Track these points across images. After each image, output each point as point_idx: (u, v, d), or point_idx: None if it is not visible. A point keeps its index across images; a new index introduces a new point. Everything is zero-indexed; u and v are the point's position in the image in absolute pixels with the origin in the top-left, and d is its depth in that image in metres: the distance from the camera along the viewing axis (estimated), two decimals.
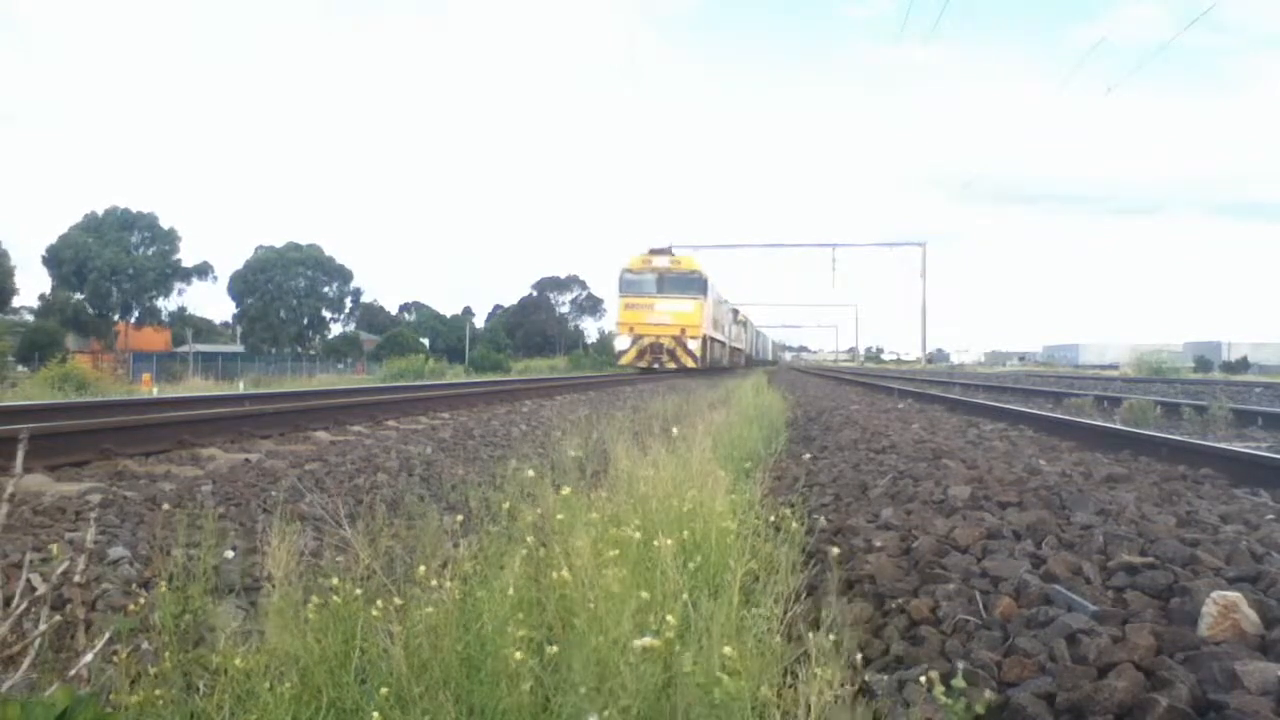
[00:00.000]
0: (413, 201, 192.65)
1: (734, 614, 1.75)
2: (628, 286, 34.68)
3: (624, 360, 34.43)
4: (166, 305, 73.86)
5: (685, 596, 1.78)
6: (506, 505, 2.52)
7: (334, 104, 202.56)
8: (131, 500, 3.84)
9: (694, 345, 33.39)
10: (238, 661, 1.66)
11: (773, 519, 2.62)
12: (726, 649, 1.41)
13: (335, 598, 1.84)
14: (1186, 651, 1.85)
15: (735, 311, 51.60)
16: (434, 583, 1.86)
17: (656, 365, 33.43)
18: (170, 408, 8.42)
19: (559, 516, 2.28)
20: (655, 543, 2.01)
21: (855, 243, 50.47)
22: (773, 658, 1.61)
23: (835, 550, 2.34)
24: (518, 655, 1.53)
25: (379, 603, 1.80)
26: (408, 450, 6.09)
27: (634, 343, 33.90)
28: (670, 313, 33.72)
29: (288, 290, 77.43)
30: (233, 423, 6.56)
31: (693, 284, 34.38)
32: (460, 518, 2.94)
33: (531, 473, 2.74)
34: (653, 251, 35.54)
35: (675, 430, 3.88)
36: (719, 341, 40.73)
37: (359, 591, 1.87)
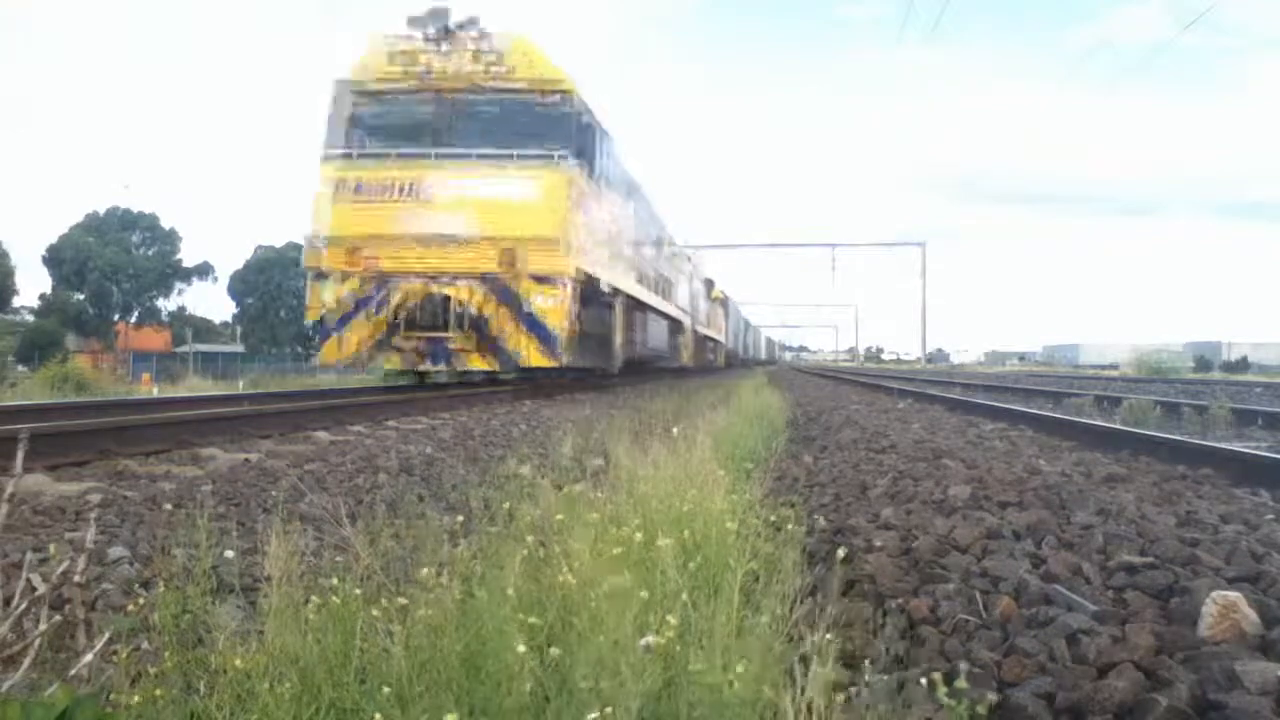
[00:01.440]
0: None
1: (735, 615, 1.75)
2: (359, 130, 12.93)
3: (328, 353, 12.62)
4: (166, 305, 73.93)
5: (685, 597, 1.78)
6: (507, 505, 2.52)
7: None
8: (131, 500, 3.84)
9: (547, 302, 12.25)
10: (238, 662, 1.66)
11: (773, 519, 2.62)
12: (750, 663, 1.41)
13: (335, 598, 1.84)
14: (1186, 651, 1.86)
15: (710, 283, 35.68)
16: (434, 583, 1.86)
17: (436, 362, 12.76)
18: (170, 408, 8.41)
19: (559, 516, 2.28)
20: (657, 543, 2.01)
21: (855, 243, 50.57)
22: (775, 658, 1.61)
23: (842, 551, 2.34)
24: (520, 649, 1.53)
25: (382, 602, 1.80)
26: (408, 450, 6.09)
27: (367, 303, 12.32)
28: (475, 203, 12.32)
29: (287, 290, 77.28)
30: (233, 423, 6.55)
31: (548, 125, 12.59)
32: (460, 518, 2.94)
33: (528, 471, 2.75)
34: (422, 27, 12.73)
35: (675, 430, 3.88)
36: (649, 309, 19.34)
37: (359, 591, 1.87)
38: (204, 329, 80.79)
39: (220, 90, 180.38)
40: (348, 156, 12.67)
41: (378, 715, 1.48)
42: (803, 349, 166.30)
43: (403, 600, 1.80)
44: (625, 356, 16.89)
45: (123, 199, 72.96)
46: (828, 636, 1.35)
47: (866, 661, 1.61)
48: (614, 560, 1.86)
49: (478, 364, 12.53)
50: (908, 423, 8.41)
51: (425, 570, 1.87)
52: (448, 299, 12.03)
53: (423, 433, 7.45)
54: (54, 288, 69.06)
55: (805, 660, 1.33)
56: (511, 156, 12.30)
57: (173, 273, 71.53)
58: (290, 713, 1.59)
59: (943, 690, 1.28)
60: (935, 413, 10.22)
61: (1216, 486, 4.30)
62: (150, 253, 70.78)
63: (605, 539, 2.10)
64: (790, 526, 2.52)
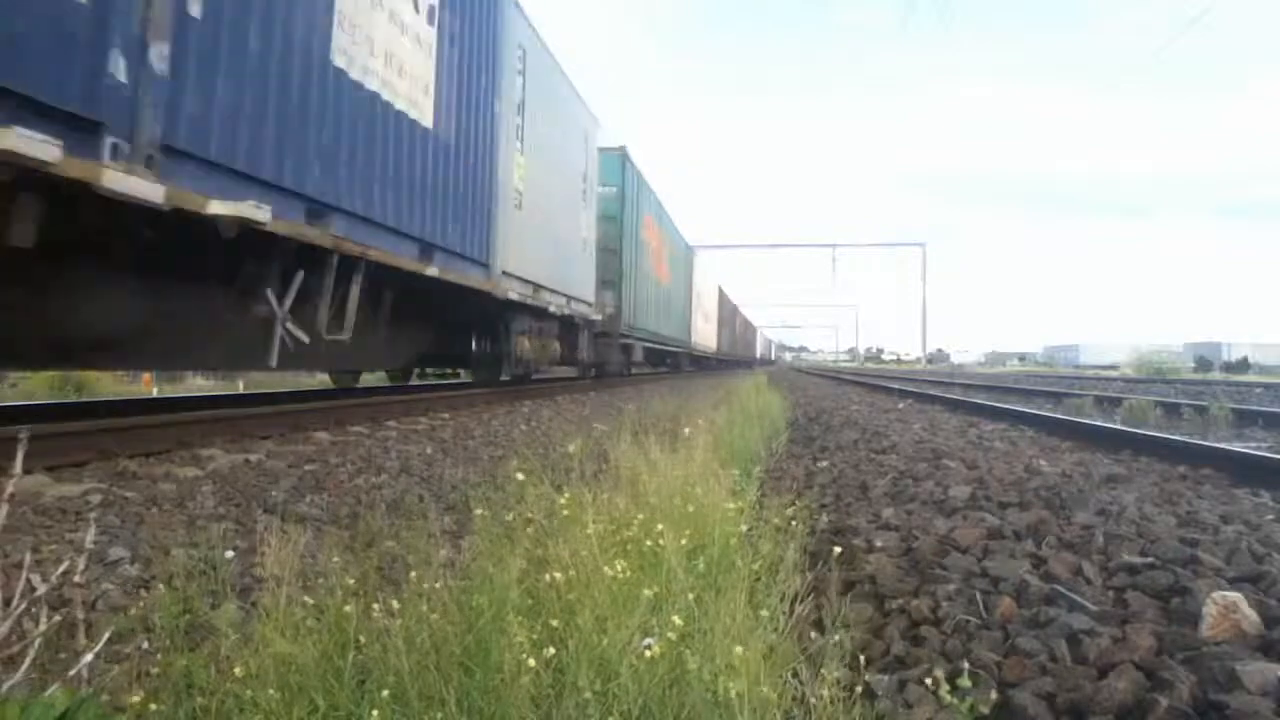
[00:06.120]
0: None
1: (739, 614, 1.75)
2: None
3: None
4: None
5: (690, 597, 1.78)
6: (509, 508, 2.51)
7: None
8: (132, 501, 3.84)
9: None
10: (237, 670, 1.66)
11: (775, 520, 2.62)
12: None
13: (335, 599, 1.84)
14: (1187, 652, 1.85)
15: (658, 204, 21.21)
16: (436, 584, 1.86)
17: None
18: (170, 408, 8.41)
19: (565, 513, 2.28)
20: (660, 542, 2.01)
21: (855, 243, 50.11)
22: (779, 659, 1.61)
23: (837, 550, 2.34)
24: (520, 655, 1.53)
25: (378, 604, 1.80)
26: (408, 450, 6.09)
27: None
28: None
29: None
30: (233, 423, 6.55)
31: None
32: (460, 518, 2.93)
33: (522, 475, 2.74)
34: None
35: (677, 431, 3.88)
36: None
37: (359, 592, 1.87)
38: None
39: None
40: None
41: (376, 714, 1.48)
42: (803, 349, 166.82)
43: (399, 602, 1.80)
44: None
45: None
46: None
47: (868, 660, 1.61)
48: (617, 560, 1.86)
49: None
50: (908, 423, 8.41)
51: (422, 569, 1.87)
52: None
53: (423, 433, 7.45)
54: None
55: (812, 661, 1.33)
56: None
57: None
58: (291, 713, 1.59)
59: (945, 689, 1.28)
60: (935, 413, 10.22)
61: (1217, 487, 4.30)
62: None
63: (607, 538, 2.09)
64: (791, 526, 2.52)
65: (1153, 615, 2.12)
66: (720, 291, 42.21)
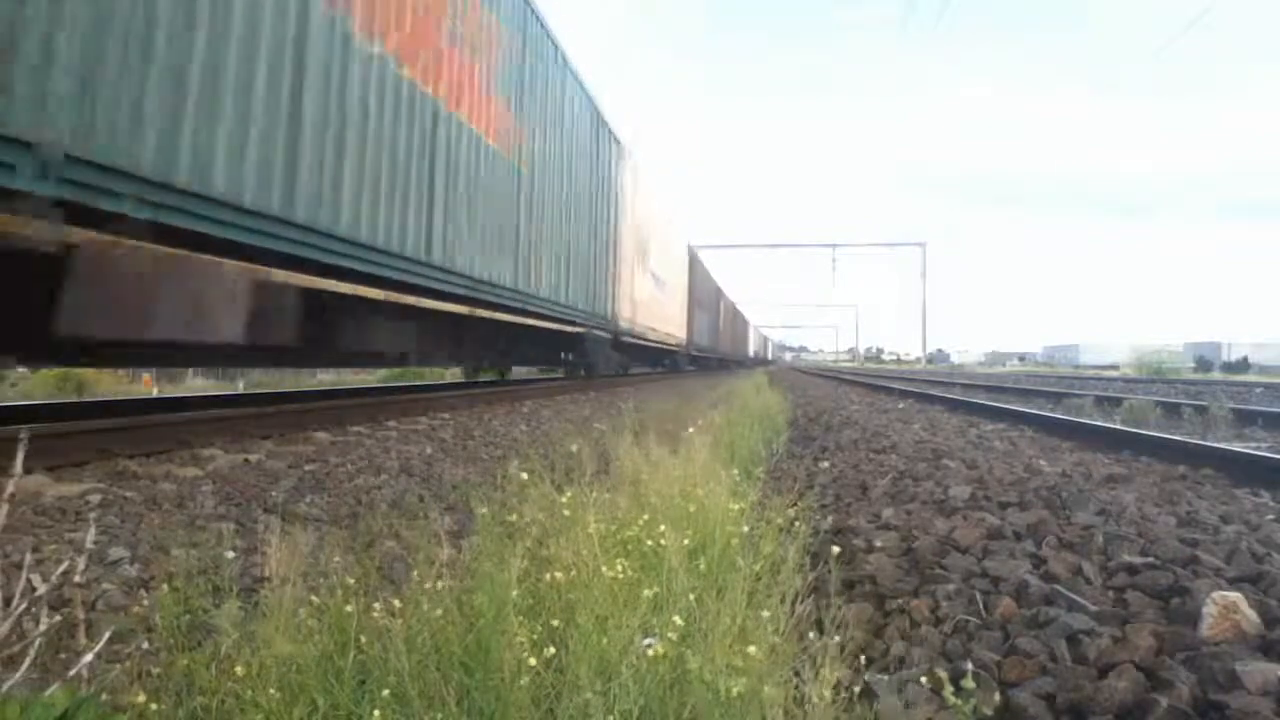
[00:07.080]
0: None
1: (740, 614, 1.75)
2: None
3: None
4: None
5: (691, 597, 1.78)
6: (511, 509, 2.51)
7: None
8: (132, 501, 3.84)
9: None
10: (237, 670, 1.66)
11: (776, 520, 2.62)
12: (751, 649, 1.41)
13: (335, 598, 1.84)
14: (1187, 652, 1.86)
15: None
16: (438, 585, 1.86)
17: None
18: (170, 408, 8.41)
19: (566, 513, 2.28)
20: (662, 542, 2.01)
21: (856, 243, 49.77)
22: (781, 658, 1.61)
23: (837, 550, 2.34)
24: (521, 654, 1.53)
25: (379, 603, 1.80)
26: (408, 450, 6.09)
27: None
28: None
29: None
30: (233, 423, 6.55)
31: None
32: (461, 518, 2.93)
33: (525, 474, 2.74)
34: None
35: (678, 431, 3.88)
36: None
37: (359, 592, 1.87)
38: None
39: None
40: None
41: (377, 714, 1.48)
42: (803, 349, 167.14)
43: (400, 602, 1.80)
44: None
45: None
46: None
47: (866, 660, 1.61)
48: (618, 559, 1.85)
49: None
50: (908, 423, 8.41)
51: (421, 570, 1.87)
52: None
53: (423, 433, 7.44)
54: None
55: (812, 661, 1.33)
56: None
57: None
58: (292, 713, 1.59)
59: (949, 690, 1.28)
60: (935, 413, 10.22)
61: (1217, 487, 4.30)
62: None
63: (608, 537, 2.09)
64: (791, 526, 2.52)
65: (1153, 615, 2.12)
66: (692, 254, 27.75)
